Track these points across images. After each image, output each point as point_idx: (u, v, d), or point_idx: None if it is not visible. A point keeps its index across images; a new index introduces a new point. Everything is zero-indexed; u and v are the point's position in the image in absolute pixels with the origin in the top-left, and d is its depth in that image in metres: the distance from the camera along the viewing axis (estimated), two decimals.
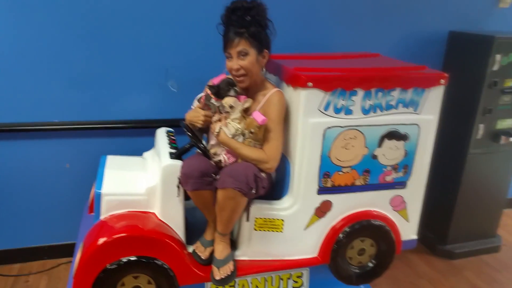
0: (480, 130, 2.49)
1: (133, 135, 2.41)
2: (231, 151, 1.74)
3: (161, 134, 1.98)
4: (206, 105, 1.75)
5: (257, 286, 2.00)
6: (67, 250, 2.50)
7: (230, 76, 1.76)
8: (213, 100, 1.71)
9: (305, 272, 2.04)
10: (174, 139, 1.92)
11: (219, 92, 1.70)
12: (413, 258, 2.71)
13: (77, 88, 2.24)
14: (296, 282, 2.05)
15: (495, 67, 2.37)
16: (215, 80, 1.80)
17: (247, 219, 1.75)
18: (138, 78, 2.30)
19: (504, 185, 2.73)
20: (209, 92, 1.72)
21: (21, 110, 2.22)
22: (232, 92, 1.70)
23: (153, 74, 2.30)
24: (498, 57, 2.35)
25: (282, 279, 2.03)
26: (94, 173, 2.28)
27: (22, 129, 2.25)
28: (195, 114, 1.77)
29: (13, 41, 2.10)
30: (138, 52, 2.25)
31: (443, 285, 2.48)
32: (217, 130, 1.70)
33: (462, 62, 2.52)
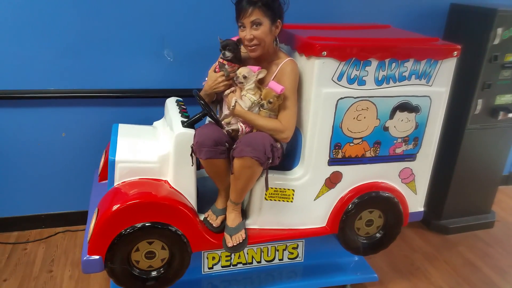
0: (479, 105, 2.48)
1: (139, 105, 2.40)
2: (246, 122, 1.74)
3: (172, 104, 1.98)
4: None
5: (253, 257, 2.05)
6: (64, 219, 2.57)
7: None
8: (226, 66, 1.71)
9: (301, 244, 2.09)
10: (185, 108, 1.92)
11: (228, 46, 1.71)
12: (408, 233, 2.75)
13: (74, 56, 2.21)
14: (291, 253, 2.10)
15: (496, 41, 2.34)
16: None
17: (266, 188, 1.77)
18: (140, 46, 2.27)
19: (501, 162, 2.73)
20: (221, 60, 1.71)
21: (15, 77, 2.20)
22: (228, 53, 1.71)
23: (154, 43, 2.27)
24: (499, 30, 2.31)
25: (278, 250, 2.07)
26: (93, 142, 2.31)
27: (17, 96, 2.23)
28: (213, 80, 1.77)
29: (8, 7, 2.06)
30: (137, 19, 2.21)
31: (436, 259, 2.52)
32: (232, 104, 1.70)
33: (462, 35, 2.47)
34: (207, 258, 1.99)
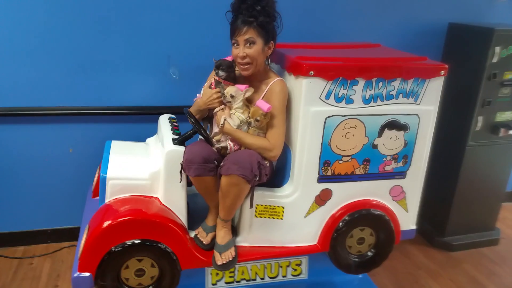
0: (479, 122, 2.50)
1: (136, 121, 2.45)
2: (235, 140, 1.77)
3: (164, 121, 2.02)
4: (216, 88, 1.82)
5: (256, 273, 2.04)
6: (70, 234, 2.57)
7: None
8: (222, 84, 1.77)
9: (304, 260, 2.08)
10: (177, 126, 1.96)
11: (221, 66, 1.76)
12: (411, 250, 2.74)
13: (80, 74, 2.28)
14: (295, 270, 2.09)
15: (495, 60, 2.38)
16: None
17: (251, 206, 1.78)
18: (140, 65, 2.33)
19: (503, 178, 2.74)
20: (216, 77, 1.77)
21: (25, 95, 2.26)
22: (221, 73, 1.76)
23: (156, 61, 2.34)
24: (497, 49, 2.36)
25: (281, 266, 2.06)
26: (96, 158, 2.32)
27: (26, 113, 2.29)
28: (208, 96, 1.81)
29: (18, 27, 2.14)
30: (141, 39, 2.28)
31: (441, 277, 2.50)
32: (221, 122, 1.74)
33: (461, 54, 2.52)
34: (211, 274, 1.99)
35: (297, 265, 2.09)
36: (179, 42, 2.33)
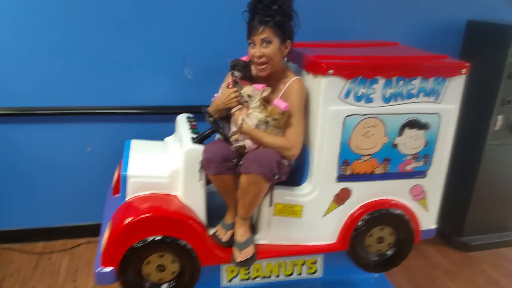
0: (499, 121, 2.46)
1: (153, 121, 2.48)
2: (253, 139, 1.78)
3: (182, 120, 2.04)
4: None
5: (271, 271, 2.05)
6: (87, 231, 2.64)
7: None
8: (240, 83, 1.78)
9: (319, 259, 2.08)
10: (195, 125, 1.98)
11: (236, 66, 1.76)
12: (429, 249, 2.71)
13: (97, 74, 2.32)
14: (310, 268, 2.09)
15: None
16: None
17: (270, 204, 1.79)
18: (157, 65, 2.36)
19: None
20: (233, 77, 1.78)
21: (43, 95, 2.32)
22: (236, 73, 1.76)
23: (172, 61, 2.37)
24: None
25: (296, 264, 2.07)
26: (114, 157, 2.38)
27: (44, 113, 2.35)
28: (226, 95, 1.81)
29: (36, 27, 2.19)
30: (157, 39, 2.31)
31: (459, 277, 2.47)
32: (239, 122, 1.75)
33: (480, 52, 2.48)
34: (226, 271, 2.01)
35: (312, 263, 2.09)
36: (195, 43, 2.35)
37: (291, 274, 2.09)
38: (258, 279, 2.06)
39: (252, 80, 1.83)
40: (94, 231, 2.61)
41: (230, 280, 2.03)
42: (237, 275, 2.03)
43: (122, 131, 2.45)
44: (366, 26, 2.51)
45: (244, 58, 1.83)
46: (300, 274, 2.09)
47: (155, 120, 2.49)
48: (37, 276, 2.34)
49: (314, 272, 2.10)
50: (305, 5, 2.32)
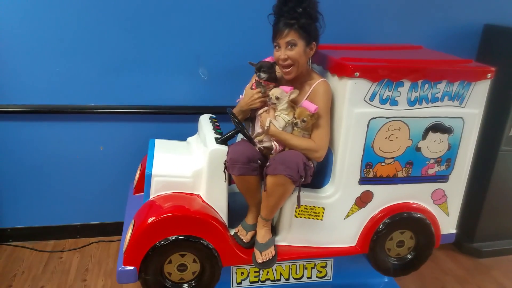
0: None
1: (170, 121, 2.48)
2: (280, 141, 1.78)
3: (205, 120, 2.04)
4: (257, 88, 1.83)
5: (281, 274, 2.05)
6: (98, 230, 2.65)
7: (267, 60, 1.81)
8: (263, 84, 1.78)
9: (330, 262, 2.08)
10: (218, 125, 1.98)
11: (262, 67, 1.77)
12: (439, 255, 2.69)
13: (113, 74, 2.32)
14: (320, 271, 2.09)
15: None
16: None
17: (298, 206, 1.79)
18: (175, 65, 2.36)
19: None
20: (259, 79, 1.78)
21: (59, 93, 2.32)
22: (263, 75, 1.77)
23: (190, 62, 2.36)
24: None
25: (306, 268, 2.07)
26: (129, 156, 2.39)
27: (60, 111, 2.35)
28: (249, 96, 1.82)
29: (53, 27, 2.20)
30: (174, 39, 2.31)
31: (469, 283, 2.45)
32: (267, 124, 1.75)
33: (496, 56, 2.46)
34: (236, 273, 2.01)
35: (322, 267, 2.09)
36: (211, 43, 2.34)
37: (301, 277, 2.08)
38: (268, 282, 2.06)
39: (276, 81, 1.83)
40: (105, 230, 2.65)
41: (240, 282, 2.03)
42: (247, 277, 2.03)
43: (137, 130, 2.46)
44: (386, 29, 2.51)
45: (269, 59, 1.84)
46: (310, 277, 2.09)
47: (172, 120, 2.48)
48: (48, 274, 2.34)
49: (324, 276, 2.11)
50: (330, 8, 2.33)
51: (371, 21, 2.49)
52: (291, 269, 2.05)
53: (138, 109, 2.41)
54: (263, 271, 2.03)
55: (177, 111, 2.45)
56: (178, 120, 2.48)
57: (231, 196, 2.02)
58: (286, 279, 2.07)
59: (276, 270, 2.04)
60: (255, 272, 2.03)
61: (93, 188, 2.56)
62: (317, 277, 2.10)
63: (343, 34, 2.43)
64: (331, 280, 2.12)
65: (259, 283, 2.06)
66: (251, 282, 2.04)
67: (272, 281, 2.06)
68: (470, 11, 2.58)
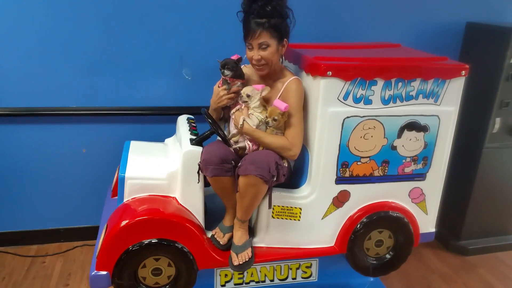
0: (497, 124, 2.46)
1: (153, 122, 2.47)
2: (254, 140, 1.77)
3: (183, 121, 2.03)
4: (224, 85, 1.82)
5: (265, 275, 2.03)
6: (82, 234, 2.62)
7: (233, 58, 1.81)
8: (228, 81, 1.77)
9: (314, 263, 2.06)
10: (195, 126, 1.97)
11: (226, 65, 1.76)
12: (426, 253, 2.69)
13: (94, 75, 2.30)
14: (305, 272, 2.08)
15: None
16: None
17: (270, 207, 1.77)
18: (156, 66, 2.35)
19: None
20: (224, 76, 1.78)
21: (39, 95, 2.29)
22: (227, 72, 1.75)
23: (172, 62, 2.35)
24: None
25: (291, 268, 2.05)
26: (111, 159, 2.36)
27: (41, 113, 2.33)
28: (215, 94, 1.81)
29: (33, 28, 2.18)
30: (155, 40, 2.30)
31: (455, 282, 2.45)
32: (240, 122, 1.74)
33: (479, 54, 2.48)
34: (220, 275, 1.99)
35: (307, 267, 2.07)
36: (193, 43, 2.34)
37: (286, 278, 2.07)
38: (252, 283, 2.04)
39: (243, 78, 1.82)
40: (89, 234, 2.60)
41: (224, 285, 2.01)
42: (231, 280, 2.01)
43: (119, 132, 2.43)
44: (367, 27, 2.51)
45: (234, 57, 1.82)
46: (295, 278, 2.08)
47: (154, 121, 2.47)
48: (29, 280, 2.31)
49: (309, 276, 2.09)
50: (308, 6, 2.34)
51: (352, 20, 2.49)
52: (276, 270, 2.03)
53: (120, 110, 2.39)
54: (247, 272, 2.01)
55: (159, 112, 2.43)
56: (160, 121, 2.46)
57: (210, 198, 2.00)
58: (271, 280, 2.05)
59: (260, 271, 2.02)
60: (239, 274, 2.01)
61: (76, 191, 2.54)
62: (302, 277, 2.08)
63: (323, 33, 2.43)
64: (316, 280, 2.10)
65: (243, 285, 2.03)
66: (235, 284, 2.02)
67: (256, 282, 2.04)
68: (452, 8, 2.59)
